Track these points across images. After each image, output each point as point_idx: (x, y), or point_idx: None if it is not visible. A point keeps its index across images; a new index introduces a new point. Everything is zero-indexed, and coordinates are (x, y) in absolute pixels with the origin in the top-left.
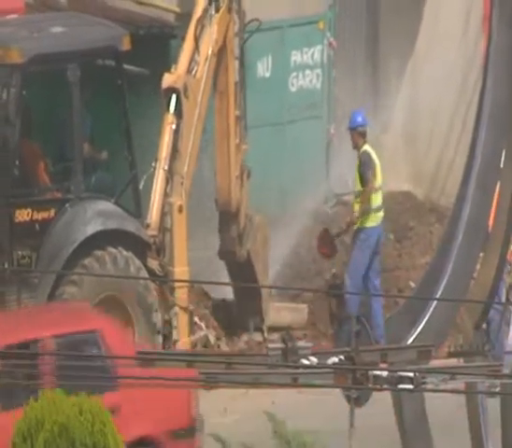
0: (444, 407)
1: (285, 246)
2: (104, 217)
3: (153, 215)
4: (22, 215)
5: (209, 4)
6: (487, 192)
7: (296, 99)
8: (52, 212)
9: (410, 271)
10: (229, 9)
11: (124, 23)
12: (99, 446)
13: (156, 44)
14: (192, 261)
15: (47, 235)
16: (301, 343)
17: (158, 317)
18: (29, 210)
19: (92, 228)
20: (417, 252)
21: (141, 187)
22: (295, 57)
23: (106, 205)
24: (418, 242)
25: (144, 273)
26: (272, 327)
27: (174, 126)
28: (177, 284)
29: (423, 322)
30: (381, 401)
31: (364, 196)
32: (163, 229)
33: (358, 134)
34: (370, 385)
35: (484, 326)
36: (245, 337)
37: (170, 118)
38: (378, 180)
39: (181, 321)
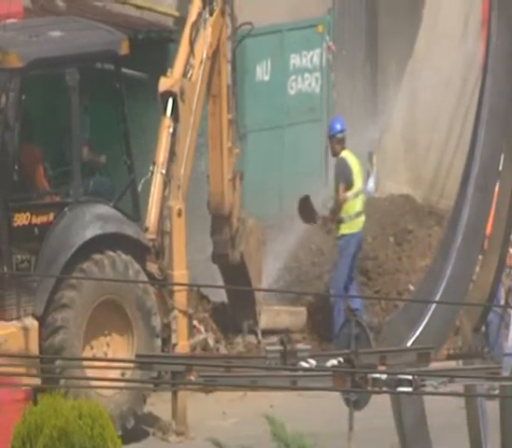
0: (443, 409)
1: (284, 250)
2: (102, 220)
3: (152, 218)
4: (21, 219)
5: (203, 8)
6: (486, 195)
7: (295, 102)
8: (51, 216)
9: (410, 274)
10: (222, 13)
11: (123, 28)
12: None
13: (155, 48)
14: (190, 265)
15: (46, 239)
16: (300, 346)
17: (157, 321)
18: (28, 214)
19: (90, 232)
20: (416, 255)
21: (139, 190)
22: (294, 60)
23: (105, 209)
24: (417, 245)
25: (143, 277)
26: (271, 330)
27: (171, 130)
28: (176, 287)
29: (423, 325)
30: (380, 404)
31: (336, 205)
32: (162, 232)
33: (337, 141)
34: (369, 388)
35: (483, 328)
36: (239, 339)
37: (167, 121)
38: (357, 186)
39: (180, 324)
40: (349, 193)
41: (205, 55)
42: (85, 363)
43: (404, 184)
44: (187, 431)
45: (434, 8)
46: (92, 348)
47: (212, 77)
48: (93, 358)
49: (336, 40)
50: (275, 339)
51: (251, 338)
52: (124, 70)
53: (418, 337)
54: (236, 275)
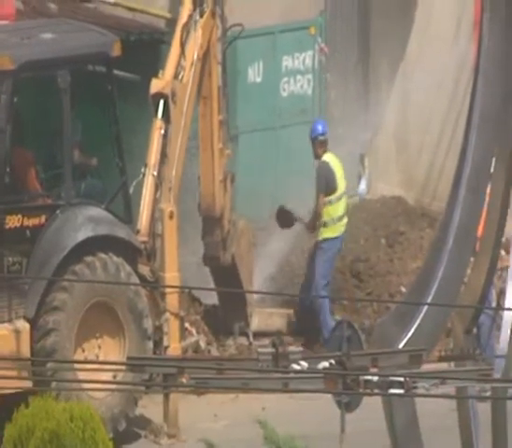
0: (435, 411)
1: (276, 252)
2: (94, 223)
3: (143, 220)
4: (13, 221)
5: (194, 9)
6: (477, 197)
7: (287, 104)
8: (43, 218)
9: (401, 276)
10: (213, 14)
11: (115, 30)
12: None
13: (147, 50)
14: (182, 267)
15: (37, 241)
16: (291, 348)
17: (149, 323)
18: (19, 216)
19: (82, 234)
20: (408, 257)
21: (131, 192)
22: (286, 62)
23: (97, 211)
24: (409, 247)
25: (135, 279)
26: (262, 332)
27: (162, 131)
28: (167, 290)
29: (414, 327)
30: (372, 406)
31: (315, 209)
32: (154, 234)
33: (319, 144)
34: (361, 390)
35: (475, 330)
36: (230, 341)
37: (159, 123)
38: (340, 189)
39: (172, 327)
40: (333, 196)
41: (195, 57)
42: (77, 365)
43: (395, 186)
44: (178, 434)
45: (427, 10)
46: (83, 351)
47: (203, 79)
48: (85, 361)
49: (329, 42)
50: (266, 341)
51: (243, 340)
52: (116, 72)
53: (409, 339)
54: (227, 277)
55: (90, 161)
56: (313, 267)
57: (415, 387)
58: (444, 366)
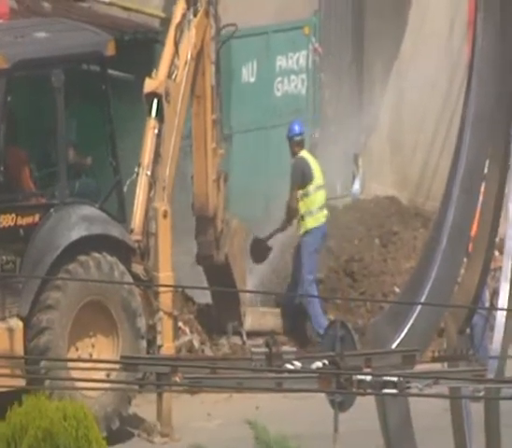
0: (428, 411)
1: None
2: (88, 222)
3: (137, 220)
4: (7, 220)
5: (187, 9)
6: (471, 197)
7: (281, 104)
8: (37, 217)
9: (395, 276)
10: (206, 13)
11: (109, 29)
12: None
13: (141, 49)
14: (176, 266)
15: (31, 240)
16: (285, 348)
17: (142, 322)
18: (13, 215)
19: (76, 233)
20: (401, 257)
21: (125, 191)
22: (280, 62)
23: (91, 210)
24: (402, 247)
25: (128, 278)
26: (256, 331)
27: (156, 131)
28: (161, 289)
29: (407, 327)
30: (365, 406)
31: (288, 204)
32: (148, 233)
33: (295, 143)
34: (354, 390)
35: (468, 331)
36: (224, 340)
37: (152, 122)
38: (317, 181)
39: (166, 326)
40: (310, 187)
41: (189, 56)
42: (70, 364)
43: (389, 186)
44: (172, 433)
45: (421, 10)
46: (77, 349)
47: (196, 78)
48: (78, 359)
49: (323, 42)
50: (260, 340)
51: (236, 339)
52: (110, 71)
53: (403, 339)
54: (221, 276)
55: (84, 160)
56: (299, 265)
57: (408, 387)
58: (437, 366)
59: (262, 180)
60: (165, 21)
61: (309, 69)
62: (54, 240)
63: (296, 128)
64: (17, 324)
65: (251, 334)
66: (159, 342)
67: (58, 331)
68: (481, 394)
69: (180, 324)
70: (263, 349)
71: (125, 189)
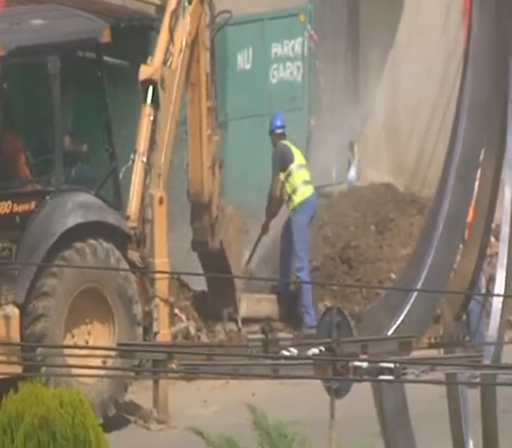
0: (424, 398)
1: (265, 238)
2: (84, 209)
3: (133, 206)
4: (2, 207)
5: None
6: (467, 184)
7: (277, 91)
8: (33, 204)
9: (391, 262)
10: (201, 1)
11: (105, 16)
12: (80, 439)
13: (136, 36)
14: (171, 253)
15: (27, 228)
16: (281, 335)
17: (138, 309)
18: (9, 202)
19: (72, 220)
20: (398, 244)
21: (120, 178)
22: (276, 49)
23: (87, 197)
24: (398, 233)
25: (124, 265)
26: (252, 318)
27: (152, 118)
28: (157, 275)
29: (404, 313)
30: (362, 392)
31: (270, 192)
32: (144, 220)
33: (276, 136)
34: (350, 376)
35: (464, 317)
36: (219, 327)
37: (148, 109)
38: (298, 160)
39: (162, 313)
40: (292, 166)
41: (184, 43)
42: (66, 351)
43: (385, 172)
44: (168, 419)
45: None
46: (73, 336)
47: (191, 65)
48: (75, 346)
49: (318, 29)
50: (256, 327)
51: (232, 325)
52: (106, 58)
53: (399, 325)
54: (216, 263)
55: (80, 147)
56: (289, 245)
57: (404, 374)
58: (433, 352)
59: (257, 167)
60: (161, 8)
61: (305, 56)
62: (50, 227)
63: (278, 122)
64: (13, 311)
65: (247, 321)
66: (155, 328)
67: (54, 318)
68: (477, 380)
69: (176, 311)
70: (260, 336)
71: (121, 175)
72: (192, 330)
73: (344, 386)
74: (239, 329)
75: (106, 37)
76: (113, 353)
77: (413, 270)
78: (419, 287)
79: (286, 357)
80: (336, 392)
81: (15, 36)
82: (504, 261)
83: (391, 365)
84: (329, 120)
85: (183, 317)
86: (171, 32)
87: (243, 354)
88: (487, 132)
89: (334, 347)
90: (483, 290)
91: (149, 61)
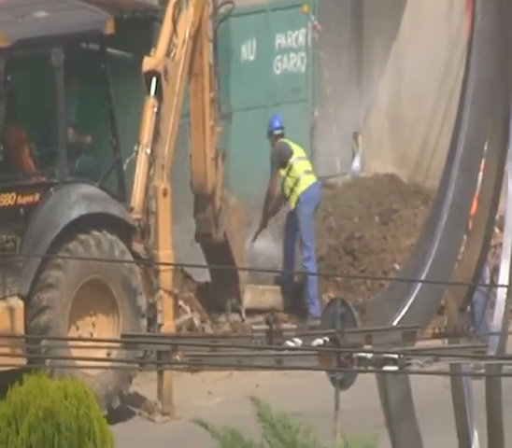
0: (429, 388)
1: (269, 229)
2: (88, 200)
3: (137, 198)
4: (7, 199)
5: None
6: (471, 175)
7: (281, 82)
8: (37, 196)
9: (395, 253)
10: None
11: (108, 7)
12: (84, 431)
13: (140, 28)
14: (175, 244)
15: (31, 219)
16: (285, 325)
17: (143, 301)
18: (13, 194)
19: (76, 212)
20: (402, 234)
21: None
22: (280, 40)
23: (91, 189)
24: (402, 224)
25: (128, 257)
26: (255, 309)
27: (155, 109)
28: (161, 267)
29: (408, 304)
30: (366, 383)
31: (269, 190)
32: (148, 212)
33: (275, 137)
34: (355, 367)
35: (468, 308)
36: (223, 318)
37: (151, 101)
38: (297, 152)
39: (166, 304)
40: (292, 159)
41: (187, 34)
42: (71, 343)
43: (389, 163)
44: (173, 411)
45: None
46: (77, 328)
47: (194, 57)
48: (79, 338)
49: (322, 20)
50: (260, 318)
51: (236, 317)
52: (109, 50)
53: (403, 316)
54: (219, 254)
55: (84, 138)
56: (292, 236)
57: (409, 364)
58: (438, 343)
59: (261, 158)
60: (164, 0)
61: (308, 47)
62: (54, 219)
63: (276, 123)
64: (17, 303)
65: (251, 312)
66: (159, 320)
67: (58, 310)
68: (482, 371)
69: (181, 302)
70: (264, 326)
71: (125, 167)
72: (197, 322)
73: (348, 377)
74: (243, 320)
75: (109, 29)
76: (117, 345)
77: (417, 261)
78: (423, 277)
79: (290, 348)
80: (341, 383)
81: (19, 29)
82: (509, 252)
83: (396, 356)
84: (333, 111)
85: (187, 309)
86: (174, 23)
87: (247, 345)
88: (490, 122)
89: (338, 338)
90: (487, 281)
91: (152, 52)
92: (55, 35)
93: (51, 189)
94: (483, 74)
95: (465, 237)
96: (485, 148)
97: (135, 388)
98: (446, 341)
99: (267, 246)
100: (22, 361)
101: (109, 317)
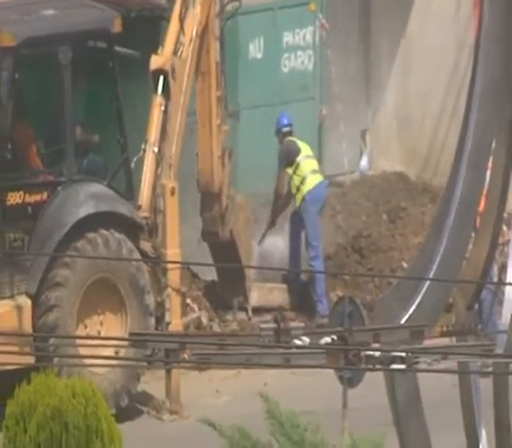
0: (437, 387)
1: (277, 227)
2: (96, 199)
3: (144, 196)
4: (15, 198)
5: None
6: (479, 172)
7: (288, 80)
8: (45, 195)
9: (403, 251)
10: None
11: (116, 6)
12: (92, 429)
13: (147, 26)
14: (183, 243)
15: (39, 218)
16: (293, 324)
17: (150, 299)
18: (21, 193)
19: (84, 210)
20: (409, 232)
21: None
22: (287, 38)
23: (99, 188)
24: (410, 222)
25: (136, 255)
26: (263, 307)
27: (162, 108)
28: (169, 265)
29: (416, 302)
30: (374, 381)
31: (276, 189)
32: (155, 210)
33: (283, 134)
34: (363, 366)
35: (476, 306)
36: (230, 316)
37: (159, 99)
38: (304, 151)
39: (174, 303)
40: (299, 157)
41: (194, 33)
42: (78, 341)
43: (397, 161)
44: (181, 409)
45: None
46: (85, 327)
47: (201, 55)
48: (87, 337)
49: (329, 18)
50: (268, 316)
51: (242, 315)
52: (117, 48)
53: (411, 314)
54: (226, 252)
55: (91, 137)
56: (298, 235)
57: (417, 363)
58: (446, 341)
59: (268, 156)
60: None
61: (316, 45)
62: (62, 217)
63: (285, 120)
64: (25, 302)
65: (259, 310)
66: (167, 318)
67: (66, 309)
68: (490, 369)
69: (188, 301)
70: (272, 325)
71: (132, 166)
72: (204, 320)
73: (356, 376)
74: (249, 318)
75: (116, 27)
76: (125, 343)
77: (425, 259)
78: (431, 276)
79: (298, 347)
80: (349, 381)
81: (26, 27)
82: None
83: (404, 354)
84: (340, 110)
85: (195, 307)
86: (181, 21)
87: (255, 343)
88: (498, 119)
89: (346, 336)
90: (495, 279)
91: (159, 51)
92: (62, 34)
93: (59, 188)
94: (490, 73)
95: (473, 235)
96: (493, 146)
97: (143, 387)
98: (453, 339)
99: (277, 245)
100: (31, 360)
101: (117, 316)
